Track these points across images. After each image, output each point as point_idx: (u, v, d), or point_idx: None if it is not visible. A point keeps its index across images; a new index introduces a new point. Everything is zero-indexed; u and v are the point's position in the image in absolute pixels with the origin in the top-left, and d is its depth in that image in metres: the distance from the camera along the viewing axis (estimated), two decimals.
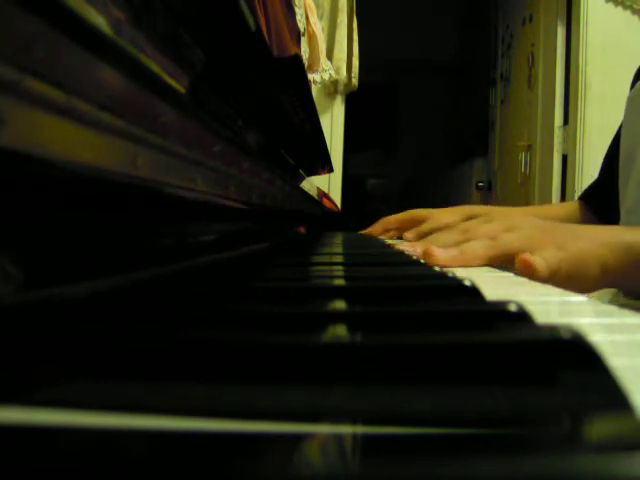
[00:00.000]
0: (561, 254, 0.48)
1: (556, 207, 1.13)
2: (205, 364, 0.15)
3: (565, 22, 2.44)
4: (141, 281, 0.28)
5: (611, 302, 0.68)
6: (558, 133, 2.46)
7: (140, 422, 0.12)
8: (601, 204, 0.89)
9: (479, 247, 0.51)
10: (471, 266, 0.50)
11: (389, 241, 0.89)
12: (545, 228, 0.55)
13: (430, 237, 0.62)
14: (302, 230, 1.21)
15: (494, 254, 0.51)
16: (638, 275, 0.50)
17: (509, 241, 0.51)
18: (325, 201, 1.40)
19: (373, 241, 0.90)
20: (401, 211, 0.97)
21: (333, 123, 2.24)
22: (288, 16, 0.82)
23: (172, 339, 0.16)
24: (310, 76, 1.75)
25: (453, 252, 0.51)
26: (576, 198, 0.97)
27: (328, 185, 2.19)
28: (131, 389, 0.14)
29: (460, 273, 0.33)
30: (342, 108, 2.27)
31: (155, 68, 0.24)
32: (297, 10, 1.39)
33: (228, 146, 0.39)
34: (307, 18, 1.59)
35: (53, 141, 0.18)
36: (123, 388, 0.14)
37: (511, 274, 0.42)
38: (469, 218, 0.90)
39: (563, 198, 2.44)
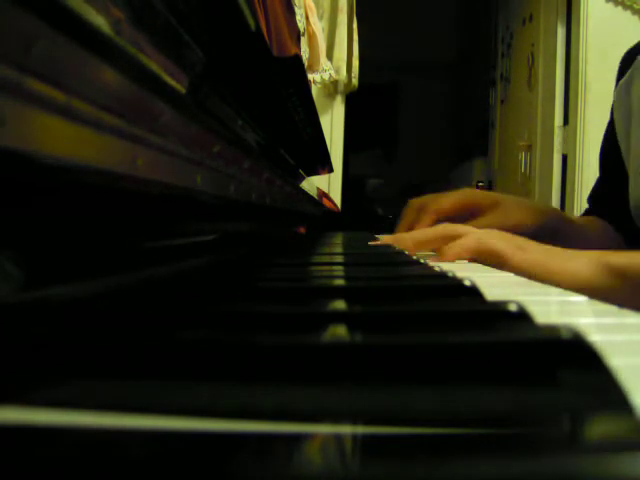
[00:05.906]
0: (518, 252, 0.50)
1: (581, 221, 0.90)
2: (205, 364, 0.15)
3: (565, 22, 2.44)
4: (141, 281, 0.28)
5: None
6: (558, 133, 2.46)
7: (140, 422, 0.12)
8: (610, 204, 0.85)
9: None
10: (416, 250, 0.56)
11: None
12: (510, 237, 0.55)
13: None
14: (302, 230, 1.21)
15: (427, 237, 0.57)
16: (626, 297, 0.46)
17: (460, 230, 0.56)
18: (325, 201, 1.40)
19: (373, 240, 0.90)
20: (401, 212, 0.97)
21: (333, 123, 2.24)
22: (288, 16, 0.82)
23: (172, 339, 0.16)
24: (310, 76, 1.75)
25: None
26: (580, 206, 0.92)
27: (328, 185, 2.19)
28: (131, 389, 0.14)
29: (460, 273, 0.33)
30: (342, 108, 2.27)
31: (155, 68, 0.24)
32: (297, 10, 1.39)
33: (228, 146, 0.39)
34: (307, 18, 1.60)
35: (53, 141, 0.18)
36: (123, 388, 0.14)
37: (511, 274, 0.42)
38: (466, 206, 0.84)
39: (563, 198, 2.44)
